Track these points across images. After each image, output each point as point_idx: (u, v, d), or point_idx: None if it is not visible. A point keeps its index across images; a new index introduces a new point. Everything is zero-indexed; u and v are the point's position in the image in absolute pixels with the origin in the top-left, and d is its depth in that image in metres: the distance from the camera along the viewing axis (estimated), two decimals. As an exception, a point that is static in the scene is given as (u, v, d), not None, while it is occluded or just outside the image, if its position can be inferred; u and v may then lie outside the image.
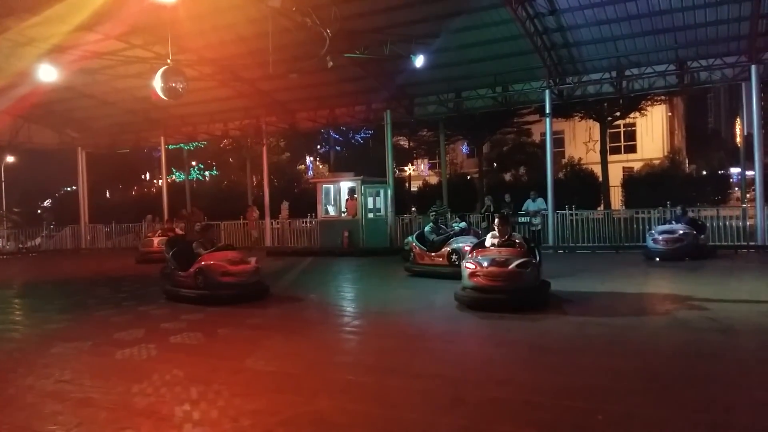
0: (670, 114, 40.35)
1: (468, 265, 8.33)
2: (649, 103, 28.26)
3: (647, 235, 14.33)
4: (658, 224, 15.01)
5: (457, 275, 9.31)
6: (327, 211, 19.95)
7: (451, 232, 12.34)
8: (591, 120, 28.82)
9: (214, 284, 9.34)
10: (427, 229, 12.67)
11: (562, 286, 9.59)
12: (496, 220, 9.03)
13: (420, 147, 38.47)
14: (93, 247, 25.74)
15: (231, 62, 17.93)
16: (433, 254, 11.95)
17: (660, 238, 13.64)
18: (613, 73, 17.09)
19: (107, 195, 35.78)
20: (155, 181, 41.70)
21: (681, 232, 13.52)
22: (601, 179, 25.88)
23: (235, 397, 4.66)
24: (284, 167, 38.69)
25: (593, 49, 16.42)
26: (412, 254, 12.52)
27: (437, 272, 11.54)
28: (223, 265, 9.49)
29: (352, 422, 4.14)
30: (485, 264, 8.14)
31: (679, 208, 14.99)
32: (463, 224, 12.81)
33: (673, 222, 14.23)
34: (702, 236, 14.07)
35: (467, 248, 10.35)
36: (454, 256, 11.43)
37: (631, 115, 29.91)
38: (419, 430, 4.02)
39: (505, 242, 8.62)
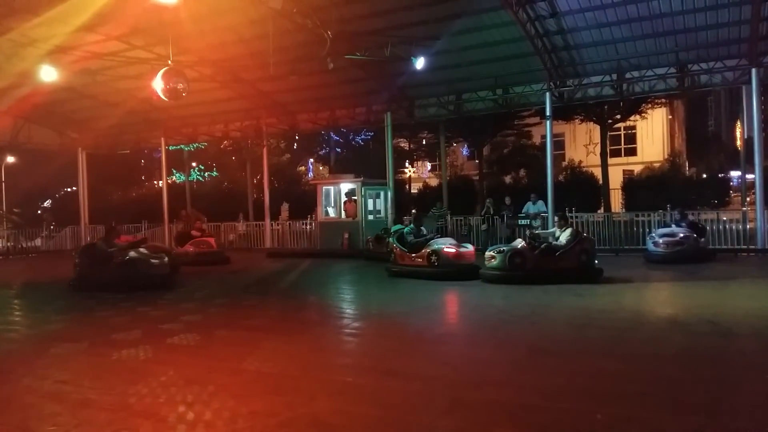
0: (670, 117, 40.31)
1: (486, 254, 11.36)
2: (650, 106, 28.26)
3: (647, 238, 14.35)
4: (659, 227, 15.00)
5: (435, 275, 11.56)
6: (327, 213, 19.94)
7: (429, 236, 12.67)
8: (591, 123, 28.80)
9: (141, 275, 11.30)
10: (406, 230, 13.07)
11: (562, 287, 9.58)
12: (556, 218, 11.94)
13: (420, 149, 38.49)
14: (93, 247, 25.67)
15: (231, 63, 17.94)
16: (413, 255, 12.24)
17: (660, 241, 13.66)
18: (614, 76, 17.07)
19: (113, 195, 35.75)
20: (155, 182, 41.67)
21: (681, 235, 13.53)
22: (601, 182, 25.85)
23: (232, 398, 4.65)
24: (284, 169, 38.70)
25: (594, 52, 16.41)
26: (393, 254, 12.88)
27: (417, 272, 11.99)
28: (149, 258, 11.63)
29: (351, 424, 4.13)
30: (493, 252, 11.13)
31: (676, 211, 15.00)
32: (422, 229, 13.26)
33: (674, 225, 14.24)
34: (702, 239, 14.08)
35: (446, 249, 11.79)
36: (433, 257, 11.80)
37: (632, 117, 29.92)
38: (417, 433, 4.01)
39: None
